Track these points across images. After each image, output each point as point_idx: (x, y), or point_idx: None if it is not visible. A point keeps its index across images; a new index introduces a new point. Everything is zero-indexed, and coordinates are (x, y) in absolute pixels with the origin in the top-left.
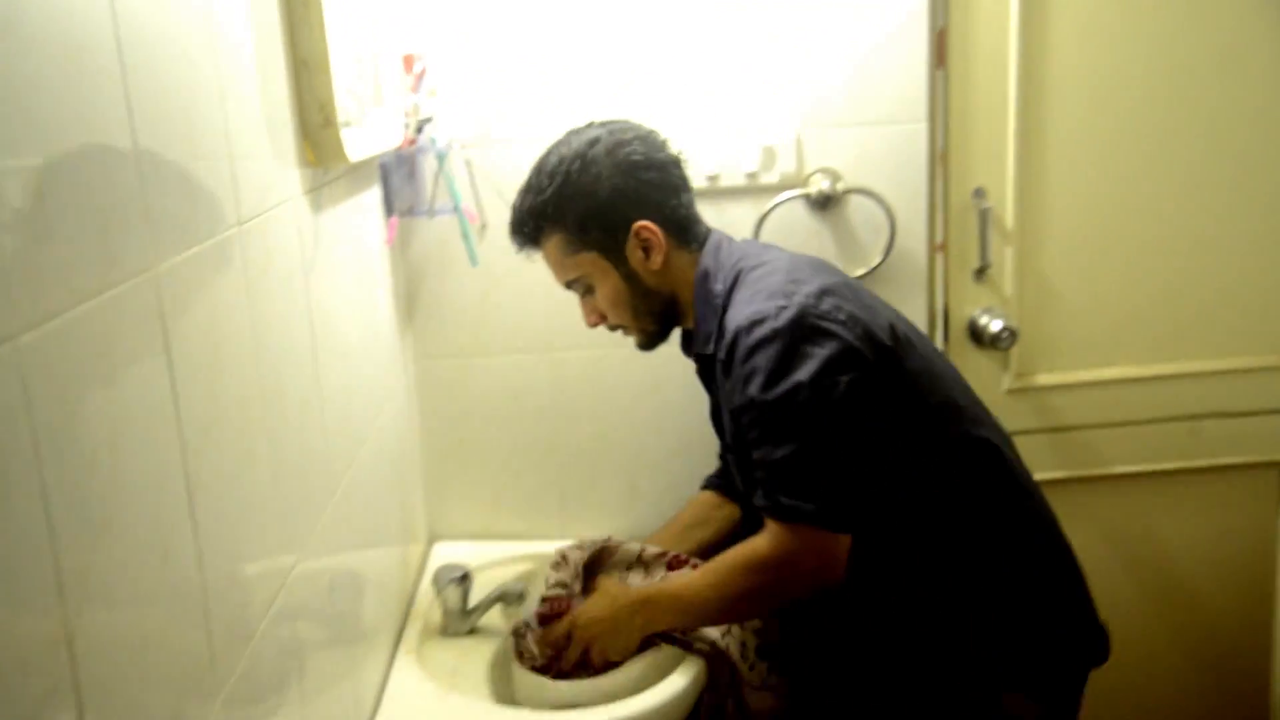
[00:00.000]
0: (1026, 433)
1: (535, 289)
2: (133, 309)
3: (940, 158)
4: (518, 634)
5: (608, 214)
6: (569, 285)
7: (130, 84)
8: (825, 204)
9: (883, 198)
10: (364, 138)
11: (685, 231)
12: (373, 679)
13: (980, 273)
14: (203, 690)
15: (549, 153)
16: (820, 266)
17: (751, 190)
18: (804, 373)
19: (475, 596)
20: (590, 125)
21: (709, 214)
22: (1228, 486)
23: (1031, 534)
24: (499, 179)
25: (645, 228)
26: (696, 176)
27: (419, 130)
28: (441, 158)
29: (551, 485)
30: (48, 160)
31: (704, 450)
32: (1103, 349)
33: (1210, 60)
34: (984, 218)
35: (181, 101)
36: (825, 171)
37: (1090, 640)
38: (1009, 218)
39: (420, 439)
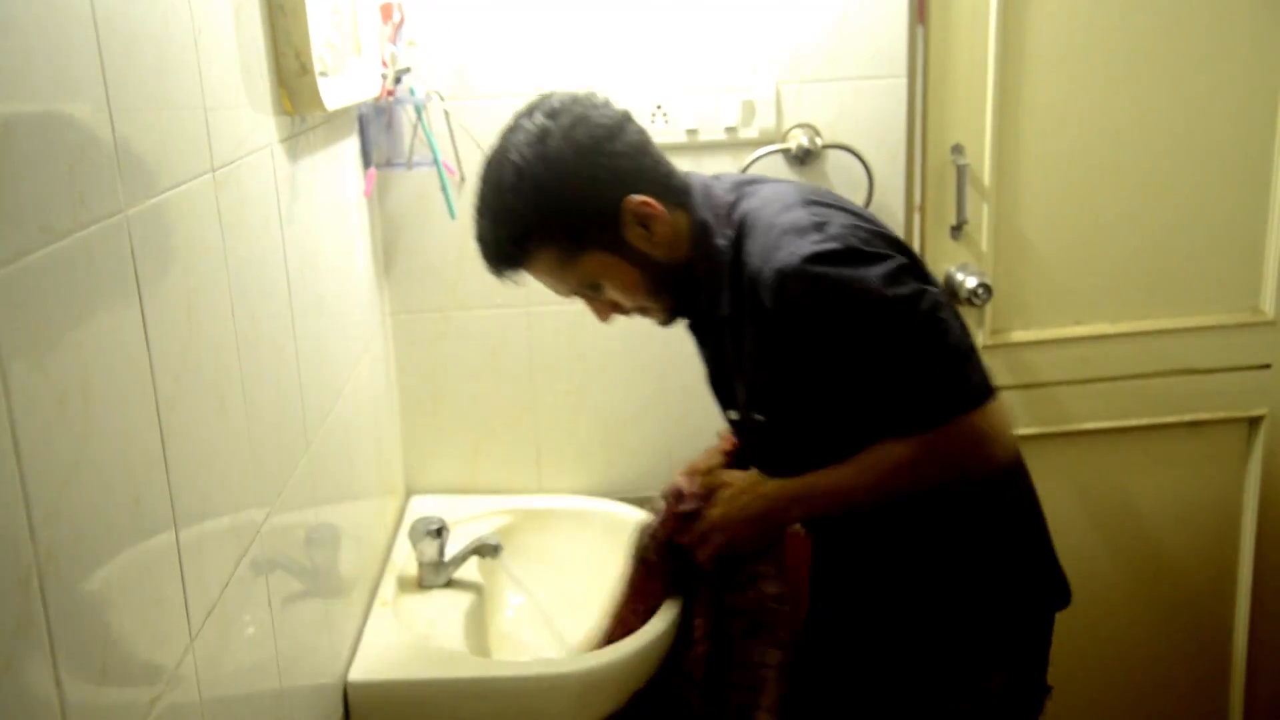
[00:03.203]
0: (1000, 389)
1: None
2: (103, 251)
3: (919, 114)
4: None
5: (595, 205)
6: (573, 293)
7: (101, 26)
8: (804, 159)
9: (861, 153)
10: (341, 87)
11: (669, 188)
12: (349, 630)
13: (957, 229)
14: (177, 635)
15: (498, 165)
16: (821, 192)
17: (730, 145)
18: (878, 289)
19: (451, 549)
20: (521, 116)
21: (689, 170)
22: (1196, 442)
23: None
24: (478, 132)
25: (636, 202)
26: (675, 131)
27: (397, 81)
28: (420, 109)
29: (528, 439)
30: (14, 100)
31: (679, 405)
32: (1076, 306)
33: (1189, 21)
34: (961, 174)
35: (154, 44)
36: (804, 127)
37: (1053, 582)
38: (986, 175)
39: (397, 393)
